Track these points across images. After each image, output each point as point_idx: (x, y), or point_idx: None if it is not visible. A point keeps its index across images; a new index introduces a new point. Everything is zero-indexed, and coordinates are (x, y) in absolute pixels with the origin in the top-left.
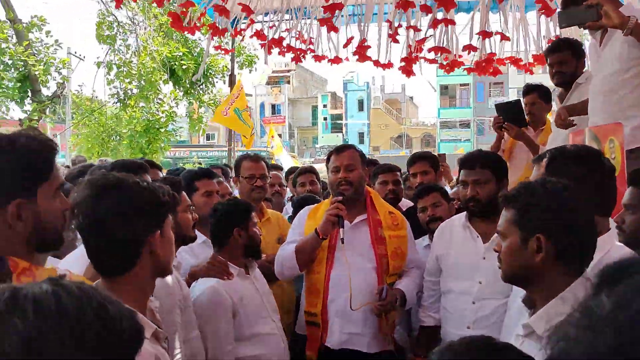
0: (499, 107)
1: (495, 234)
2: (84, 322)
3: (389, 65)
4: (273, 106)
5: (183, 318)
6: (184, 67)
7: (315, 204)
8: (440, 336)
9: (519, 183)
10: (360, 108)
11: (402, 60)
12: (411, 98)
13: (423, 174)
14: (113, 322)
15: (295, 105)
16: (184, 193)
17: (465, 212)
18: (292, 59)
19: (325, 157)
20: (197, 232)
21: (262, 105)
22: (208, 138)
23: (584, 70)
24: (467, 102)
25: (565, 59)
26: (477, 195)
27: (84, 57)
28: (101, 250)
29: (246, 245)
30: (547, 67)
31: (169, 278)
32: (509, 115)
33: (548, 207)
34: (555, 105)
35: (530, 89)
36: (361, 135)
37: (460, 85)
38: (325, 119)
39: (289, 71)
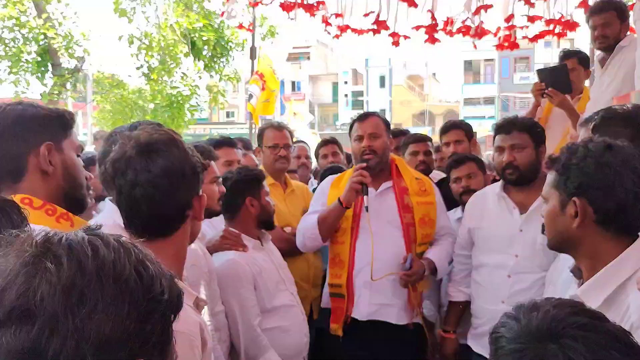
0: (543, 72)
1: (535, 203)
2: (122, 277)
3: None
4: (293, 83)
5: (209, 291)
6: (204, 38)
7: (339, 173)
8: (471, 312)
9: (563, 146)
10: (382, 84)
11: (426, 28)
12: (434, 74)
13: (457, 143)
14: (152, 281)
15: (315, 82)
16: (213, 163)
17: (500, 182)
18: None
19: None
20: None
21: (282, 82)
22: (228, 115)
23: (627, 33)
24: (491, 78)
25: (609, 20)
26: (514, 161)
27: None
28: (152, 211)
29: (259, 216)
30: (590, 30)
31: (194, 247)
32: (553, 81)
33: (586, 167)
34: (596, 71)
35: (568, 54)
36: (383, 112)
37: (485, 60)
38: (346, 95)
39: (308, 47)
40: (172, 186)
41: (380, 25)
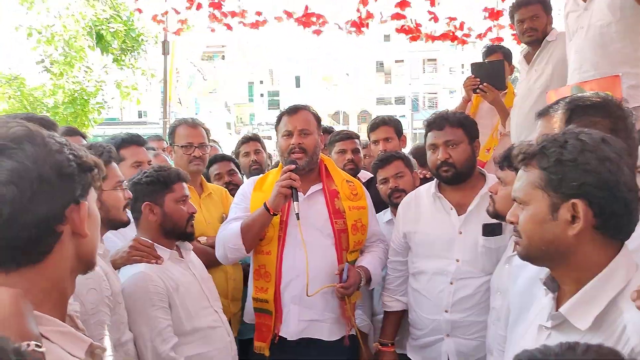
0: (478, 66)
1: (474, 203)
2: None
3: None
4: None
5: (114, 318)
6: (112, 30)
7: (260, 175)
8: (409, 321)
9: (539, 136)
10: (297, 84)
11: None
12: (347, 74)
13: (386, 140)
14: None
15: (231, 81)
16: (114, 165)
17: (434, 181)
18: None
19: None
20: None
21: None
22: (140, 115)
23: (552, 26)
24: (402, 79)
25: (536, 13)
26: (450, 158)
27: None
28: (2, 232)
29: (162, 224)
30: (516, 25)
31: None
32: (488, 76)
33: (586, 163)
34: (520, 65)
35: (493, 49)
36: None
37: (395, 61)
38: (261, 95)
39: (223, 46)
40: (24, 195)
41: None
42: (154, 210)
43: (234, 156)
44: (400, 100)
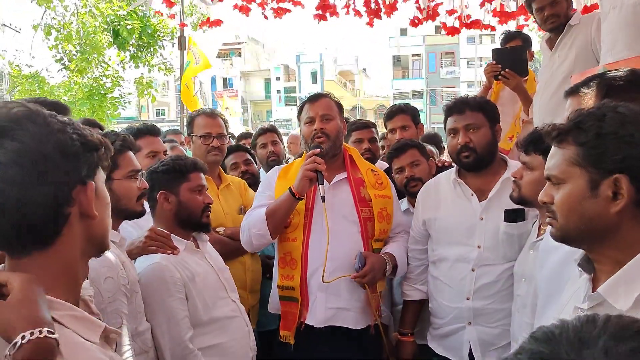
0: (499, 52)
1: (495, 189)
2: None
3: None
4: (225, 79)
5: (130, 307)
6: (128, 27)
7: (286, 164)
8: (430, 310)
9: (573, 112)
10: (314, 80)
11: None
12: (364, 70)
13: (403, 129)
14: None
15: (247, 78)
16: (129, 154)
17: (454, 168)
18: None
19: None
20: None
21: (213, 79)
22: (158, 114)
23: (573, 8)
24: (419, 73)
25: None
26: (470, 142)
27: (20, 29)
28: (7, 216)
29: (177, 214)
30: (535, 14)
31: (109, 256)
32: (510, 63)
33: (630, 135)
34: (542, 51)
35: (512, 36)
36: None
37: (412, 55)
38: (278, 91)
39: (240, 43)
40: (28, 176)
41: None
42: (169, 199)
43: (251, 149)
44: (417, 95)
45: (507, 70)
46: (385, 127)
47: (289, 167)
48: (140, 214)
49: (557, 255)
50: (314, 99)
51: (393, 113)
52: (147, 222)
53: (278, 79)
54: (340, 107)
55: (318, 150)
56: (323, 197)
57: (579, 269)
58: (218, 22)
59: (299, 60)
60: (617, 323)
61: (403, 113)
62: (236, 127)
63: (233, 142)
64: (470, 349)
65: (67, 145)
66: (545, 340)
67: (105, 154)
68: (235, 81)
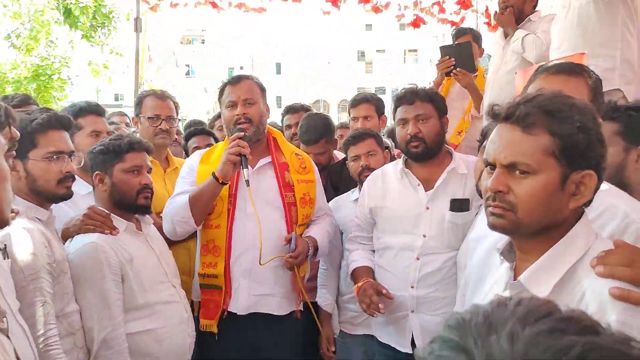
0: (448, 49)
1: (441, 179)
2: None
3: None
4: (187, 66)
5: (57, 287)
6: (81, 5)
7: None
8: None
9: (530, 94)
10: (278, 71)
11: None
12: (329, 63)
13: (365, 119)
14: None
15: (210, 66)
16: (56, 133)
17: (401, 158)
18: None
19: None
20: (82, 180)
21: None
22: (116, 99)
23: (534, 7)
24: (383, 68)
25: None
26: (420, 132)
27: None
28: None
29: (110, 195)
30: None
31: (32, 233)
32: (458, 59)
33: (599, 133)
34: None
35: (462, 31)
36: (279, 99)
37: (377, 51)
38: None
39: (203, 30)
40: None
41: None
42: (103, 180)
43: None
44: (381, 90)
45: (459, 69)
46: (349, 114)
47: (210, 151)
48: (63, 197)
49: (486, 243)
50: (235, 81)
51: (358, 101)
52: (88, 203)
53: (242, 68)
54: (263, 90)
55: (242, 133)
56: (247, 181)
57: (501, 257)
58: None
59: (264, 51)
60: (526, 306)
61: (368, 102)
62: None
63: (181, 127)
64: (413, 337)
65: None
66: (457, 326)
67: (4, 121)
68: (197, 68)
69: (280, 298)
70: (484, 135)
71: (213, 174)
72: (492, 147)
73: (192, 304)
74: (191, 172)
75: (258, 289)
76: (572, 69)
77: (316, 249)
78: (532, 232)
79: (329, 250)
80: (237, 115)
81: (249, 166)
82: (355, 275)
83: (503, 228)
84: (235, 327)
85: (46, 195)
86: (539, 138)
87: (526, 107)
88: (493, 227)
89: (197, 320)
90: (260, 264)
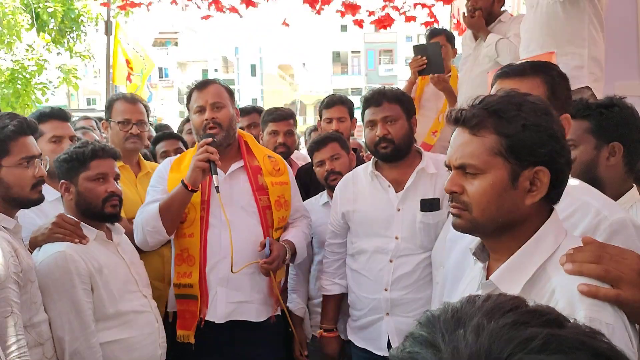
0: (420, 48)
1: (410, 180)
2: None
3: None
4: (160, 69)
5: (24, 297)
6: (49, 10)
7: (177, 155)
8: (349, 303)
9: (479, 97)
10: (253, 73)
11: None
12: (304, 64)
13: (339, 120)
14: None
15: (184, 68)
16: (23, 141)
17: (371, 160)
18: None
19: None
20: (48, 187)
21: None
22: (88, 103)
23: (502, 7)
24: (358, 70)
25: None
26: (388, 134)
27: None
28: None
29: (77, 204)
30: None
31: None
32: (429, 59)
33: (550, 128)
34: (464, 42)
35: (436, 32)
36: (254, 101)
37: (352, 52)
38: None
39: (176, 33)
40: None
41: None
42: (69, 189)
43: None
44: (356, 91)
45: (435, 75)
46: (320, 116)
47: (181, 159)
48: (37, 201)
49: (463, 243)
50: (202, 86)
51: (333, 103)
52: (55, 210)
53: (216, 70)
54: (230, 93)
55: (210, 139)
56: (217, 188)
57: (474, 257)
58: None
59: (238, 53)
60: (494, 301)
61: (342, 105)
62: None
63: (153, 131)
64: (389, 340)
65: None
66: (426, 323)
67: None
68: (171, 71)
69: (258, 304)
70: None
71: (182, 181)
72: (449, 150)
73: (166, 314)
74: (161, 180)
75: (235, 296)
76: (524, 71)
77: (294, 252)
78: (491, 230)
79: None
80: (206, 119)
81: (221, 172)
82: (326, 306)
83: (462, 227)
84: (212, 335)
85: (20, 201)
86: (485, 139)
87: (473, 110)
88: (454, 226)
89: (173, 331)
90: (232, 272)
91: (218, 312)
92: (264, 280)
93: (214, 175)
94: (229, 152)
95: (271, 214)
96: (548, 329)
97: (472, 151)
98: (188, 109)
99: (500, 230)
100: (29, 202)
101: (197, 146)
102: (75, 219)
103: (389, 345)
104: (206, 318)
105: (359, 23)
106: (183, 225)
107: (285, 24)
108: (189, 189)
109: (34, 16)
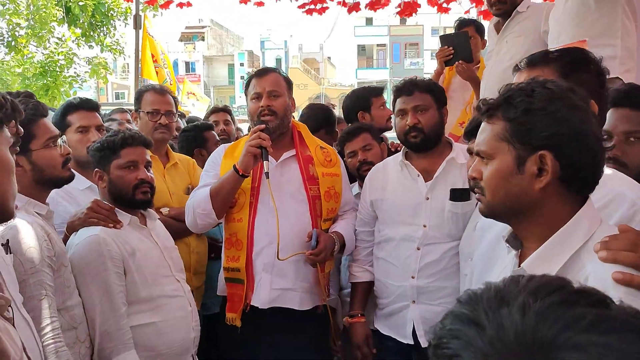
0: (447, 38)
1: (440, 169)
2: None
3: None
4: (187, 64)
5: (57, 281)
6: (80, 4)
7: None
8: (375, 292)
9: (503, 87)
10: (278, 67)
11: None
12: (329, 58)
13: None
14: None
15: (210, 63)
16: (44, 122)
17: (402, 150)
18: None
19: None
20: (79, 175)
21: (175, 63)
22: (117, 97)
23: None
24: (384, 63)
25: None
26: (419, 123)
27: None
28: None
29: (109, 192)
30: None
31: (32, 227)
32: (457, 48)
33: (557, 112)
34: (489, 36)
35: (465, 22)
36: None
37: (377, 45)
38: (242, 77)
39: (203, 27)
40: None
41: None
42: (102, 177)
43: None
44: (381, 85)
45: (460, 62)
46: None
47: (235, 145)
48: (69, 179)
49: (493, 232)
50: (261, 73)
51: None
52: (86, 198)
53: (242, 64)
54: (289, 83)
55: (263, 125)
56: (267, 174)
57: (507, 245)
58: (188, 4)
59: (264, 47)
60: (538, 281)
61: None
62: (203, 114)
63: (181, 122)
64: (414, 328)
65: None
66: (468, 301)
67: (10, 114)
68: (197, 66)
69: (302, 293)
70: None
71: (234, 166)
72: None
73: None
74: (215, 165)
75: (279, 283)
76: (533, 62)
77: (342, 244)
78: (504, 214)
79: None
80: (261, 107)
81: (272, 159)
82: (354, 293)
83: (483, 212)
84: (257, 320)
85: (54, 181)
86: (495, 125)
87: (492, 100)
88: (480, 212)
89: (223, 315)
90: (278, 259)
91: (262, 297)
92: (310, 269)
93: (264, 162)
94: (282, 140)
95: (320, 204)
96: (596, 309)
97: (484, 138)
98: (245, 94)
99: (515, 215)
100: (61, 180)
101: (250, 132)
102: (110, 205)
103: (414, 334)
104: (251, 303)
105: (372, 6)
106: (233, 209)
107: (308, 12)
108: (240, 173)
109: (65, 10)
